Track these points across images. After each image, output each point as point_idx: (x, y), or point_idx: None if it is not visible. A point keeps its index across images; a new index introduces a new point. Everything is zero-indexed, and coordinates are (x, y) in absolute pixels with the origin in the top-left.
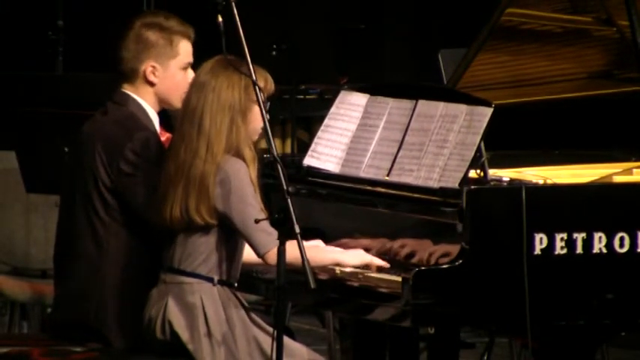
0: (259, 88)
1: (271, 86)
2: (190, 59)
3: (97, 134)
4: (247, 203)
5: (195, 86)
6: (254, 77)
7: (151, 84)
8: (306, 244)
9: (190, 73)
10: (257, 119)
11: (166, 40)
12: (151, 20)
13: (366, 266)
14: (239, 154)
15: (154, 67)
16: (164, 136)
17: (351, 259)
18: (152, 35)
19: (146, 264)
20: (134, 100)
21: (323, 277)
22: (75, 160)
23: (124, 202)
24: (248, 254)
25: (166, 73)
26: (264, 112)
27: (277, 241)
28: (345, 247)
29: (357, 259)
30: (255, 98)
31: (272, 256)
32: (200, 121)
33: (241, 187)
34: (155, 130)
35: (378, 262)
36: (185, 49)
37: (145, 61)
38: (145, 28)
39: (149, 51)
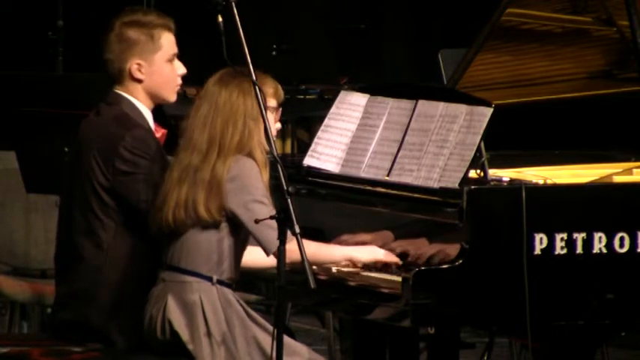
0: (260, 89)
1: (281, 93)
2: (175, 50)
3: (92, 135)
4: (257, 201)
5: (205, 96)
6: (254, 77)
7: (139, 81)
8: (317, 243)
9: (178, 65)
10: (270, 124)
11: (147, 35)
12: (129, 18)
13: (378, 263)
14: (250, 157)
15: (139, 64)
16: (159, 133)
17: (364, 255)
18: (133, 33)
19: (146, 263)
20: (126, 100)
21: (323, 277)
22: (72, 161)
23: (121, 202)
24: (252, 260)
25: (152, 68)
26: (264, 112)
27: (285, 239)
28: (346, 245)
29: (370, 255)
30: (267, 105)
31: None
32: (211, 128)
33: (252, 185)
34: (149, 127)
35: (390, 258)
36: (168, 40)
37: (129, 60)
38: (125, 26)
39: (132, 49)
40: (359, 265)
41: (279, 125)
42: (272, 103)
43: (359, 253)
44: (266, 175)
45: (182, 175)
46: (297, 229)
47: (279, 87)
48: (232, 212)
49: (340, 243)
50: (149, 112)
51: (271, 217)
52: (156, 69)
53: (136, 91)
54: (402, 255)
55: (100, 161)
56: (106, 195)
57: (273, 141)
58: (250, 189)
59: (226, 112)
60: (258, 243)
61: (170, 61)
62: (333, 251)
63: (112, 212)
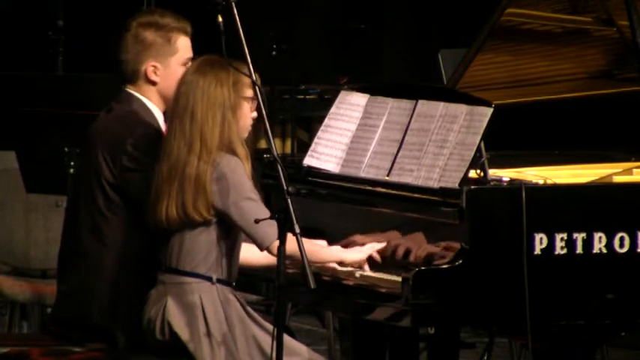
0: (259, 89)
1: (258, 82)
2: (190, 54)
3: (100, 132)
4: (246, 197)
5: (183, 86)
6: (253, 77)
7: (153, 83)
8: (310, 241)
9: None
10: (246, 116)
11: (164, 38)
12: (146, 20)
13: (368, 259)
14: (232, 152)
15: (154, 66)
16: None
17: (353, 256)
18: (150, 35)
19: (149, 260)
20: (138, 100)
21: (323, 277)
22: (81, 160)
23: (126, 199)
24: (247, 256)
25: (167, 71)
26: (263, 111)
27: (284, 239)
28: (346, 246)
29: (358, 255)
30: (243, 95)
31: (276, 248)
32: (191, 119)
33: (239, 182)
34: (159, 127)
35: (375, 255)
36: (184, 44)
37: (145, 62)
38: (142, 28)
39: (148, 51)
40: (348, 265)
41: (254, 114)
42: (248, 93)
43: (350, 256)
44: (249, 167)
45: (171, 169)
46: (297, 229)
47: (257, 76)
48: (223, 212)
49: (350, 244)
50: (161, 113)
51: (271, 217)
52: (171, 72)
53: (149, 92)
54: (403, 254)
55: (108, 158)
56: (112, 191)
57: (273, 141)
58: (237, 187)
59: (205, 104)
60: (252, 240)
61: (185, 64)
62: (324, 252)
63: (117, 209)
